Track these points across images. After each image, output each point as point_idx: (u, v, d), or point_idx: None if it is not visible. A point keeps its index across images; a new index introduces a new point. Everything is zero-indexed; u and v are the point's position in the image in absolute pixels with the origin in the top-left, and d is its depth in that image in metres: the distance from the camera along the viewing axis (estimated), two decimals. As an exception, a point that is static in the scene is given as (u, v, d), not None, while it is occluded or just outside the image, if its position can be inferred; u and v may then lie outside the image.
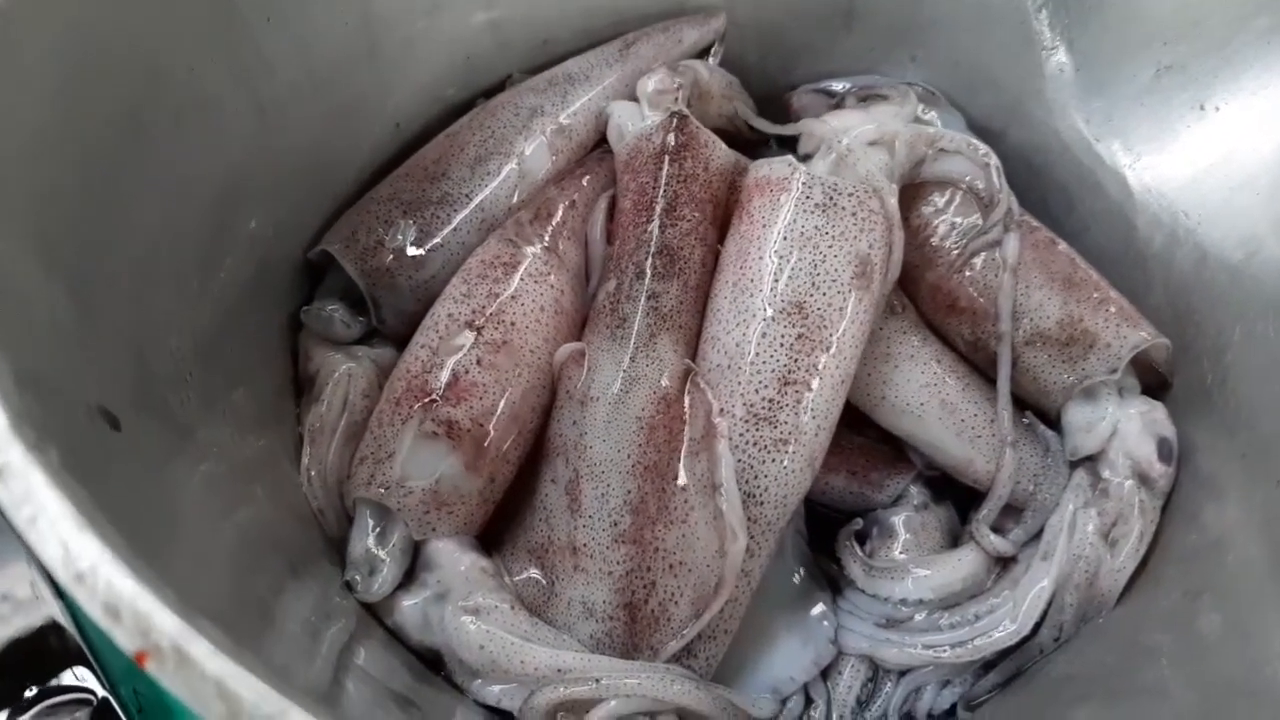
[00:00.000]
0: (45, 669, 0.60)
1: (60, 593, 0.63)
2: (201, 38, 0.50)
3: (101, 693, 0.60)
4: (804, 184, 0.56)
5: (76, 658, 0.61)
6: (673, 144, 0.59)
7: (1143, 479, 0.55)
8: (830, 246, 0.55)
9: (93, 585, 0.27)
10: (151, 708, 0.61)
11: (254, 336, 0.56)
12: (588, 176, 0.63)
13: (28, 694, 0.59)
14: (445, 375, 0.54)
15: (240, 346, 0.54)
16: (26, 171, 0.38)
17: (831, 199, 0.56)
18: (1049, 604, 0.54)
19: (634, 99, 0.64)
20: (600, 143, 0.65)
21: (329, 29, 0.58)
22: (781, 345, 0.53)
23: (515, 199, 0.62)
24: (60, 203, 0.40)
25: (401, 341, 0.59)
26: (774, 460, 0.52)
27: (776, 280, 0.55)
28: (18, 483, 0.28)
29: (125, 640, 0.26)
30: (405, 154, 0.65)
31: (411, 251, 0.59)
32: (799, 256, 0.55)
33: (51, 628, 0.61)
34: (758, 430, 0.52)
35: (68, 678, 0.60)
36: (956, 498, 0.62)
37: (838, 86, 0.69)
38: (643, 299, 0.56)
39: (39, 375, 0.32)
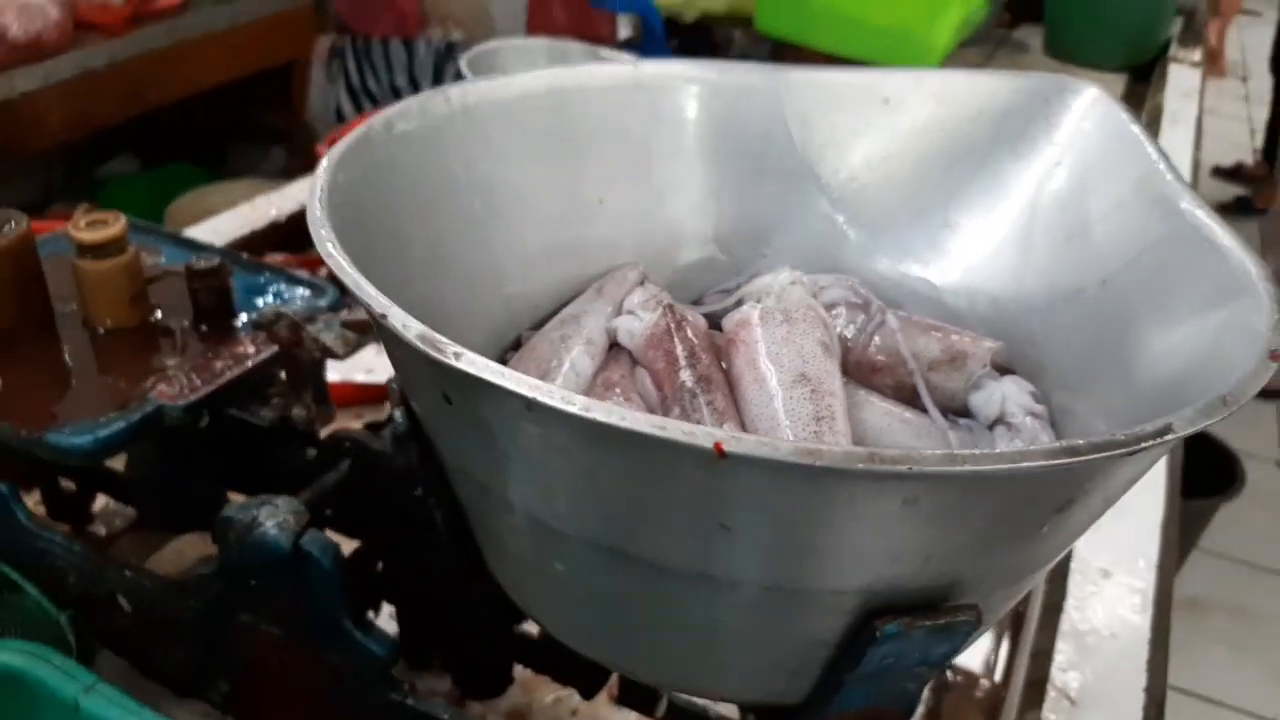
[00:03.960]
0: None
1: None
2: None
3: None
4: (766, 311, 0.87)
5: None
6: (674, 322, 0.88)
7: (1033, 414, 0.87)
8: (802, 339, 0.85)
9: None
10: None
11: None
12: (614, 362, 0.90)
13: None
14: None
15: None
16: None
17: (788, 315, 0.87)
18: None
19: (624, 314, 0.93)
20: (613, 345, 0.93)
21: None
22: (805, 399, 0.81)
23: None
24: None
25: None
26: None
27: (780, 369, 0.83)
28: None
29: None
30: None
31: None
32: (785, 351, 0.84)
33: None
34: (817, 450, 0.78)
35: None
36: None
37: (729, 285, 1.03)
38: (704, 407, 0.82)
39: None
